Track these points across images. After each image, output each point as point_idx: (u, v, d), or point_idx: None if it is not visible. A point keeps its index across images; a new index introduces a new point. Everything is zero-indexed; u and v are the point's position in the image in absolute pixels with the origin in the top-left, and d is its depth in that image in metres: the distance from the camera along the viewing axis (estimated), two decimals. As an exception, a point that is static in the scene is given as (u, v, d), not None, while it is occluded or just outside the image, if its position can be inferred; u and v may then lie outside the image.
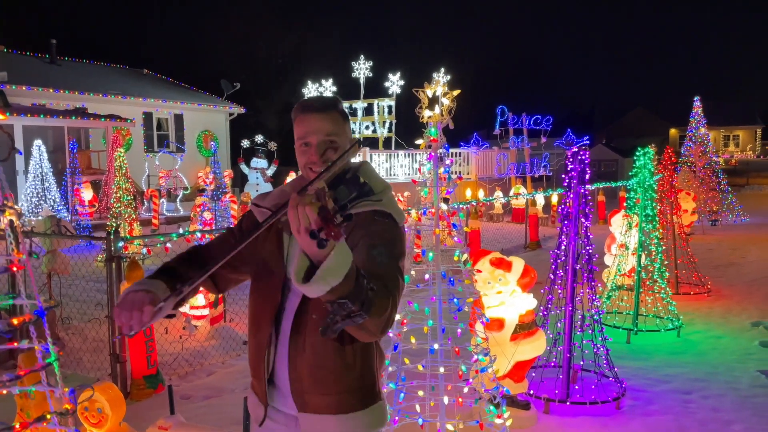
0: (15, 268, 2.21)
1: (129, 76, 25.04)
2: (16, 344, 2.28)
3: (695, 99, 19.61)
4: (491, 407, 2.92)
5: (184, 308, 6.80)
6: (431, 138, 2.81)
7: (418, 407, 2.92)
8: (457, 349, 2.81)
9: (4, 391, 2.37)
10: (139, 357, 5.16)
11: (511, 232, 15.25)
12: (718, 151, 18.86)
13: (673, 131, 58.60)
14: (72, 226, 9.39)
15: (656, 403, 4.76)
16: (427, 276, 2.88)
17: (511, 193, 16.68)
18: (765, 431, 4.28)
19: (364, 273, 1.53)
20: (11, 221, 2.23)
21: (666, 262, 7.13)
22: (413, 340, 2.83)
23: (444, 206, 2.90)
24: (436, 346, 2.80)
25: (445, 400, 2.79)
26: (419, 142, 3.04)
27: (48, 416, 2.38)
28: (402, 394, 2.88)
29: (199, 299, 6.69)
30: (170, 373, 5.63)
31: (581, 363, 4.69)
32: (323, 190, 1.48)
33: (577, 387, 4.60)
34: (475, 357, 2.92)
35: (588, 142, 19.39)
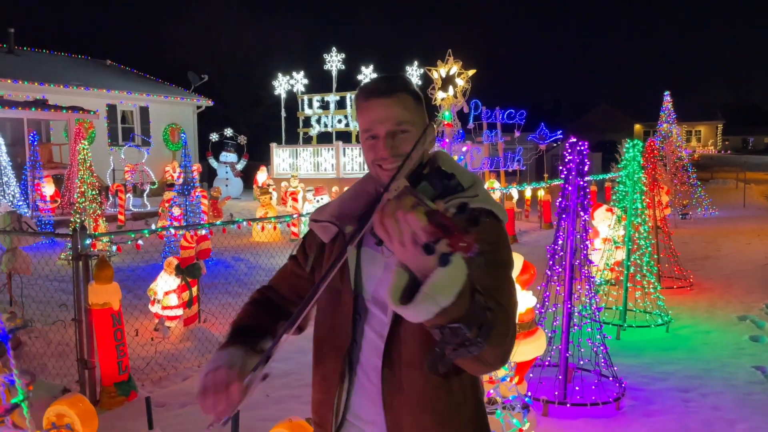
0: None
1: (91, 66, 24.21)
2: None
3: (665, 94, 19.78)
4: (514, 421, 2.69)
5: (156, 309, 6.45)
6: (445, 122, 2.55)
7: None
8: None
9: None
10: (110, 362, 4.81)
11: (487, 227, 15.13)
12: (679, 146, 19.08)
13: (637, 127, 59.60)
14: (34, 222, 8.90)
15: (656, 402, 4.61)
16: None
17: (485, 188, 16.56)
18: (770, 431, 4.16)
19: (480, 289, 1.23)
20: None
21: (656, 256, 7.03)
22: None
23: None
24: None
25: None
26: (431, 127, 2.79)
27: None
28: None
29: (172, 299, 6.34)
30: (143, 379, 5.28)
31: (581, 362, 4.52)
32: (414, 189, 1.20)
33: (577, 388, 4.41)
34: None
35: (561, 136, 19.39)
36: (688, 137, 59.82)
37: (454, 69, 3.25)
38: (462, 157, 2.56)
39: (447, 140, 2.55)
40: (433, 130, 1.56)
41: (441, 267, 1.14)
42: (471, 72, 3.29)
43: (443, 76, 3.15)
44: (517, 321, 1.40)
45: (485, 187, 1.58)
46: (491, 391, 2.71)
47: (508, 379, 2.72)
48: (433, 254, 1.12)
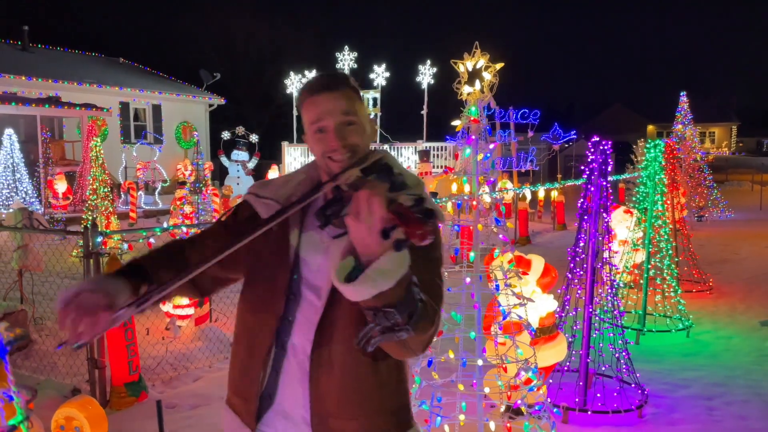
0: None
1: (105, 64, 24.27)
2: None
3: (681, 95, 19.52)
4: (542, 432, 2.58)
5: (167, 308, 6.37)
6: (471, 118, 2.45)
7: (447, 429, 2.56)
8: (504, 367, 2.47)
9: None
10: (120, 362, 4.73)
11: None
12: (695, 147, 18.87)
13: (650, 127, 59.04)
14: (45, 219, 8.87)
15: (679, 410, 4.47)
16: (468, 279, 2.51)
17: (497, 188, 16.41)
18: (800, 442, 4.02)
19: (416, 281, 1.33)
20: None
21: (676, 260, 6.87)
22: (452, 355, 2.47)
23: (487, 198, 2.55)
24: (479, 362, 2.45)
25: (492, 426, 2.43)
26: (456, 123, 2.68)
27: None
28: (439, 419, 2.50)
29: (183, 298, 6.26)
30: (153, 379, 5.20)
31: (603, 368, 4.38)
32: (386, 179, 1.29)
33: (598, 395, 4.28)
34: (522, 374, 2.57)
35: (575, 136, 19.19)
36: (702, 138, 59.14)
37: (482, 62, 3.14)
38: (488, 154, 2.45)
39: (473, 137, 2.45)
40: (374, 123, 1.64)
41: (395, 252, 1.25)
42: (498, 65, 3.17)
43: (470, 70, 3.04)
44: (441, 313, 1.48)
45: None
46: (518, 401, 2.59)
47: (536, 389, 2.60)
48: (388, 239, 1.22)
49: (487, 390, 2.44)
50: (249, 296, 1.65)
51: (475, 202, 2.47)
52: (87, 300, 1.38)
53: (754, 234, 13.86)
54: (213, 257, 1.40)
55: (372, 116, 19.78)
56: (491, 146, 2.57)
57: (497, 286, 2.54)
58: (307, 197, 1.41)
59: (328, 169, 1.56)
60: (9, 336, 1.93)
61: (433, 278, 1.49)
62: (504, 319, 2.52)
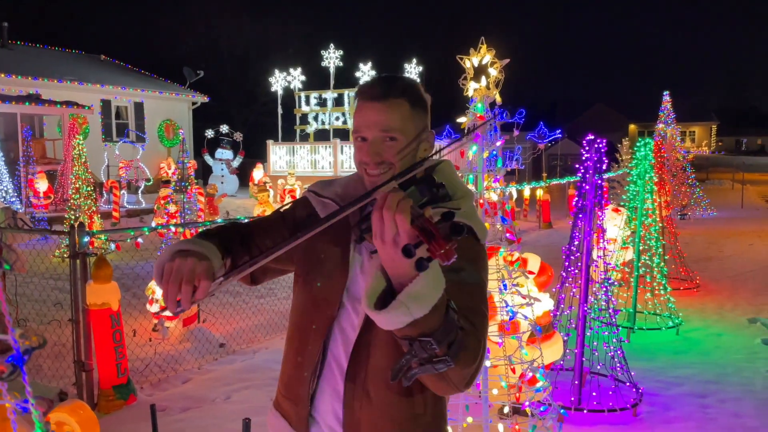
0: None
1: (86, 61, 23.91)
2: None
3: (664, 94, 19.69)
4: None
5: (154, 308, 6.27)
6: (477, 115, 2.41)
7: (450, 430, 2.53)
8: (512, 367, 2.44)
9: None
10: (108, 365, 4.63)
11: (487, 226, 14.98)
12: (677, 146, 19.11)
13: (632, 127, 59.61)
14: (29, 219, 8.70)
15: (674, 408, 4.47)
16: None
17: (473, 204, 16.44)
18: (794, 439, 4.04)
19: (455, 307, 1.20)
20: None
21: (666, 258, 6.91)
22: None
23: (494, 196, 2.51)
24: (488, 363, 2.41)
25: (500, 428, 2.40)
26: (462, 120, 2.64)
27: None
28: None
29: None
30: (142, 381, 5.11)
31: (597, 366, 4.38)
32: (412, 193, 1.15)
33: (594, 394, 4.27)
34: (529, 374, 2.54)
35: (560, 135, 19.29)
36: (683, 138, 59.81)
37: (488, 58, 3.11)
38: (495, 152, 2.43)
39: (480, 134, 2.42)
40: (430, 137, 1.51)
41: (418, 272, 1.12)
42: (505, 61, 3.14)
43: (476, 65, 3.00)
44: (486, 344, 1.35)
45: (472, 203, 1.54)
46: (526, 402, 2.57)
47: (543, 390, 2.57)
48: (411, 258, 1.09)
49: (495, 392, 2.40)
50: (305, 296, 1.58)
51: (481, 201, 2.43)
52: (183, 266, 1.30)
53: (737, 232, 14.02)
54: (276, 247, 1.31)
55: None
56: (498, 143, 2.54)
57: (504, 285, 2.51)
58: (355, 203, 1.29)
59: (363, 178, 1.51)
60: (25, 344, 1.82)
61: (476, 305, 1.35)
62: (511, 319, 2.49)
